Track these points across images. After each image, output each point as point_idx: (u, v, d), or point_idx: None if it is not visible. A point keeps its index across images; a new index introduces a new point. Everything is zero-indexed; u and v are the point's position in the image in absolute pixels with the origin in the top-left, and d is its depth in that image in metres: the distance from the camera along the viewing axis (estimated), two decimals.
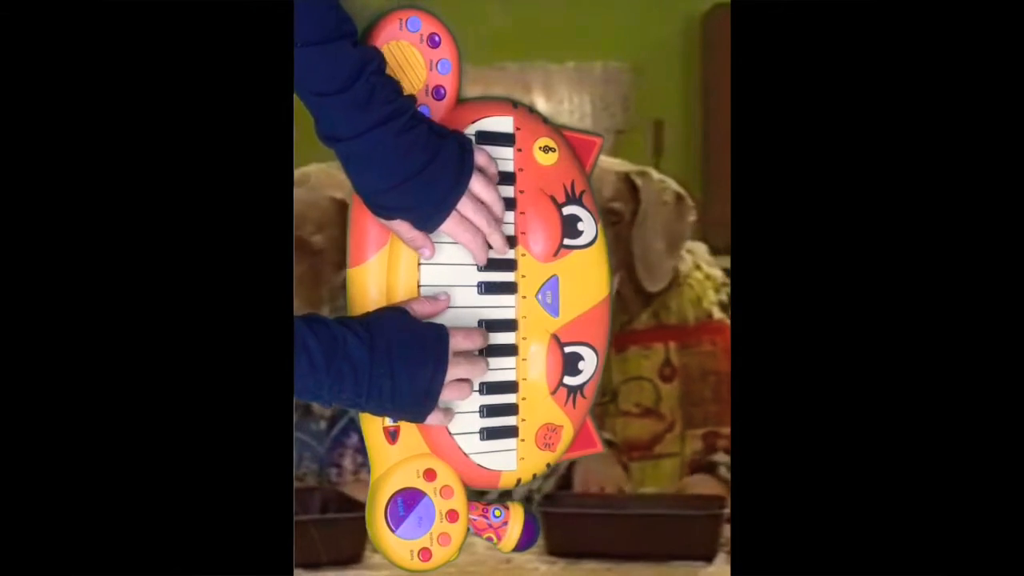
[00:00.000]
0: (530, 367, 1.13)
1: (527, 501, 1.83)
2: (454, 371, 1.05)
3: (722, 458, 2.10)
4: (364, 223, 1.08)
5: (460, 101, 1.13)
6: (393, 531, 1.09)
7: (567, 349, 1.14)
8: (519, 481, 1.15)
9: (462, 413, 1.10)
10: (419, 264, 1.09)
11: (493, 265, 1.11)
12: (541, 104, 4.05)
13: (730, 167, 1.01)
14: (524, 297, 1.13)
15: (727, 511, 1.88)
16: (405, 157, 1.02)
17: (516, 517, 1.14)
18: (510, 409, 1.13)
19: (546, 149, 1.14)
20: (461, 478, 1.11)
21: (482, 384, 1.10)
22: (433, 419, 1.06)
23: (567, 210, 1.14)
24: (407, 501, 1.09)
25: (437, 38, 1.10)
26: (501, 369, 1.12)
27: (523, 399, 1.13)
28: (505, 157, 1.12)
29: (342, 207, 1.81)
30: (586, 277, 1.16)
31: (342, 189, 1.86)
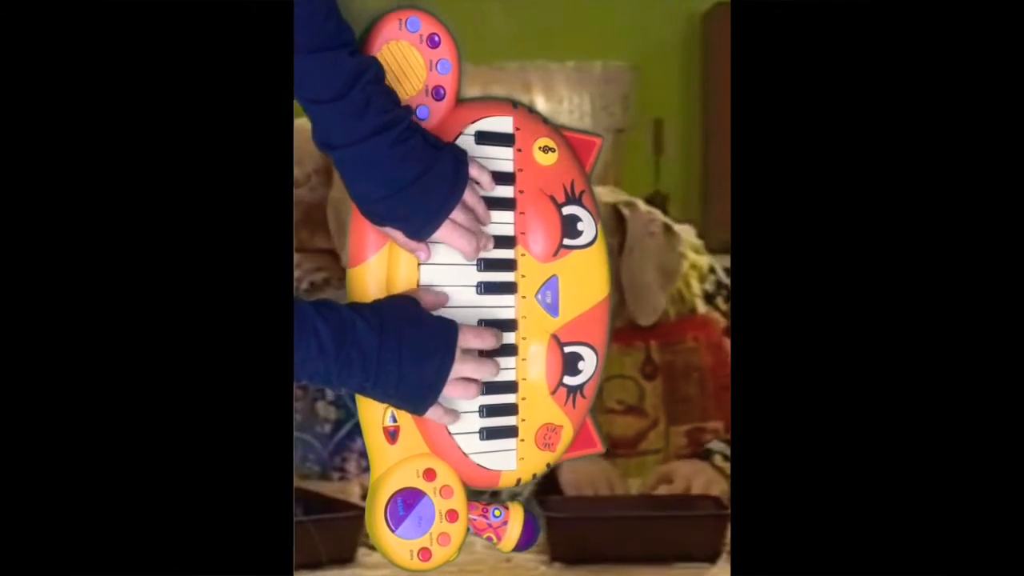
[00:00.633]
0: (530, 367, 1.13)
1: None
2: (460, 368, 1.05)
3: (718, 447, 2.08)
4: (364, 223, 1.08)
5: (460, 101, 1.13)
6: (393, 531, 1.09)
7: (567, 349, 1.14)
8: (519, 481, 1.15)
9: (462, 413, 1.10)
10: (419, 264, 1.09)
11: (493, 265, 1.11)
12: (541, 103, 4.05)
13: (730, 166, 1.01)
14: (524, 297, 1.13)
15: (729, 511, 1.88)
16: (399, 168, 1.03)
17: (516, 517, 1.14)
18: (510, 409, 1.13)
19: (546, 149, 1.14)
20: (461, 478, 1.11)
21: (482, 384, 1.10)
22: (433, 414, 1.06)
23: (567, 210, 1.14)
24: (407, 501, 1.09)
25: (437, 38, 1.10)
26: (501, 369, 1.12)
27: (523, 399, 1.13)
28: (505, 157, 1.12)
29: None
30: (586, 277, 1.16)
31: None
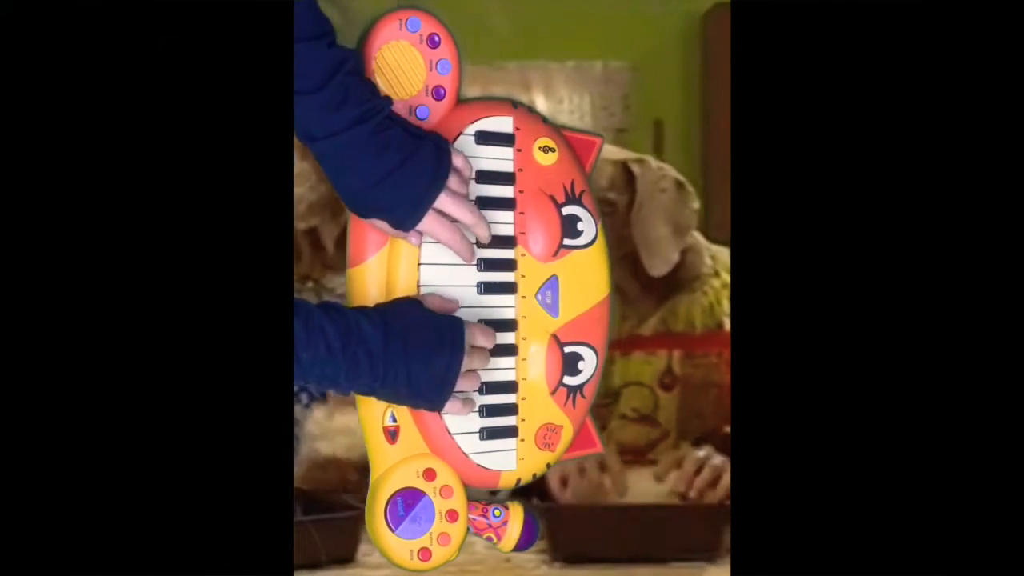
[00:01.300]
0: (530, 367, 1.13)
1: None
2: (470, 361, 1.05)
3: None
4: (364, 223, 1.08)
5: (460, 101, 1.13)
6: (393, 531, 1.09)
7: (567, 349, 1.14)
8: (519, 481, 1.15)
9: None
10: (419, 264, 1.09)
11: (493, 265, 1.11)
12: (540, 103, 4.04)
13: (730, 167, 1.01)
14: (524, 297, 1.13)
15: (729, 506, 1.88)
16: (379, 157, 1.02)
17: (516, 517, 1.14)
18: (510, 409, 1.13)
19: (546, 149, 1.14)
20: (461, 478, 1.11)
21: (482, 384, 1.10)
22: (451, 407, 1.06)
23: (567, 210, 1.14)
24: (407, 501, 1.09)
25: (437, 38, 1.10)
26: (501, 369, 1.12)
27: (523, 399, 1.13)
28: (505, 157, 1.12)
29: None
30: (586, 277, 1.16)
31: None
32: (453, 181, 1.06)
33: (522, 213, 1.12)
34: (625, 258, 2.12)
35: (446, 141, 1.08)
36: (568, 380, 1.15)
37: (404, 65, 1.09)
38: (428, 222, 1.05)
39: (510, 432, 1.13)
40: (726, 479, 1.94)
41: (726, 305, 2.19)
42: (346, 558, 1.72)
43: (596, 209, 1.16)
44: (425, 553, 1.09)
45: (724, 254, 2.23)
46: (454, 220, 1.07)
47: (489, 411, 1.11)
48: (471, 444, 1.11)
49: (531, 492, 1.90)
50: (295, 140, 1.01)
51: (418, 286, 1.09)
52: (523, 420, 1.14)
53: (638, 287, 2.18)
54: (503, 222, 1.12)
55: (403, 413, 1.09)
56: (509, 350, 1.12)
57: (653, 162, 2.19)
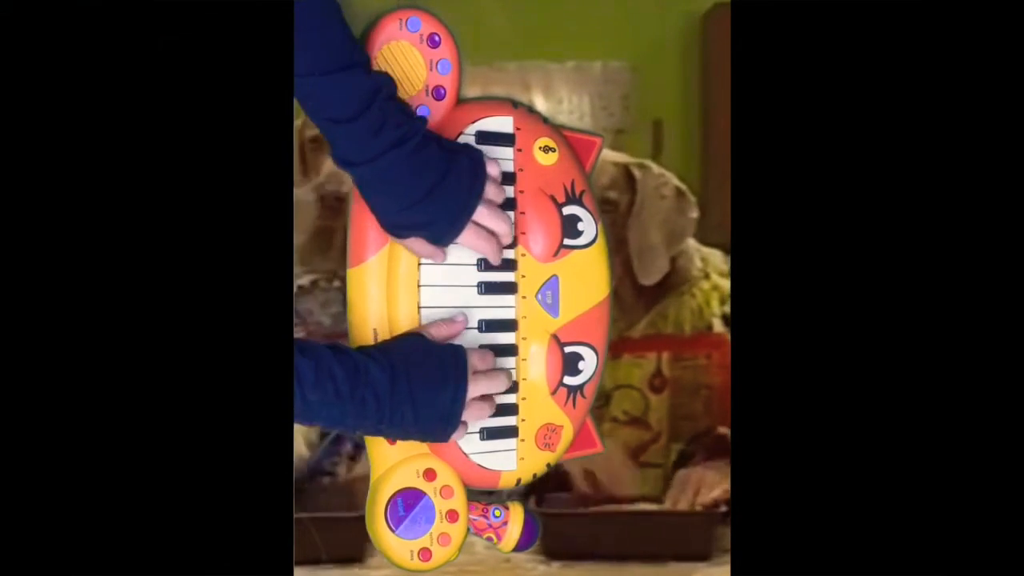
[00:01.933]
0: (530, 367, 1.13)
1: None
2: (475, 388, 1.06)
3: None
4: (364, 223, 1.08)
5: (460, 101, 1.13)
6: (393, 531, 1.09)
7: (567, 349, 1.14)
8: (519, 481, 1.15)
9: None
10: (419, 264, 1.09)
11: (493, 265, 1.11)
12: (540, 103, 4.04)
13: (730, 167, 1.01)
14: (524, 297, 1.13)
15: (723, 510, 1.88)
16: (419, 176, 1.03)
17: (516, 517, 1.14)
18: (510, 409, 1.13)
19: (546, 149, 1.14)
20: (461, 478, 1.11)
21: None
22: (458, 435, 1.07)
23: (567, 210, 1.14)
24: (407, 501, 1.09)
25: (437, 38, 1.10)
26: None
27: (523, 399, 1.13)
28: (505, 157, 1.12)
29: None
30: (586, 277, 1.16)
31: None
32: (490, 190, 1.07)
33: (522, 213, 1.12)
34: (621, 261, 2.13)
35: (479, 152, 1.08)
36: (568, 380, 1.15)
37: (404, 65, 1.09)
38: (465, 235, 1.07)
39: (510, 432, 1.13)
40: (718, 488, 1.95)
41: (716, 307, 2.19)
42: (355, 558, 1.72)
43: (596, 209, 1.16)
44: (425, 553, 1.09)
45: (715, 256, 2.24)
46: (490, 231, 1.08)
47: None
48: (471, 444, 1.11)
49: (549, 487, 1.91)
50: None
51: (418, 286, 1.09)
52: (523, 420, 1.14)
53: (631, 290, 2.18)
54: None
55: None
56: (509, 350, 1.12)
57: (655, 168, 2.20)
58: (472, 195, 1.06)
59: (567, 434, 1.16)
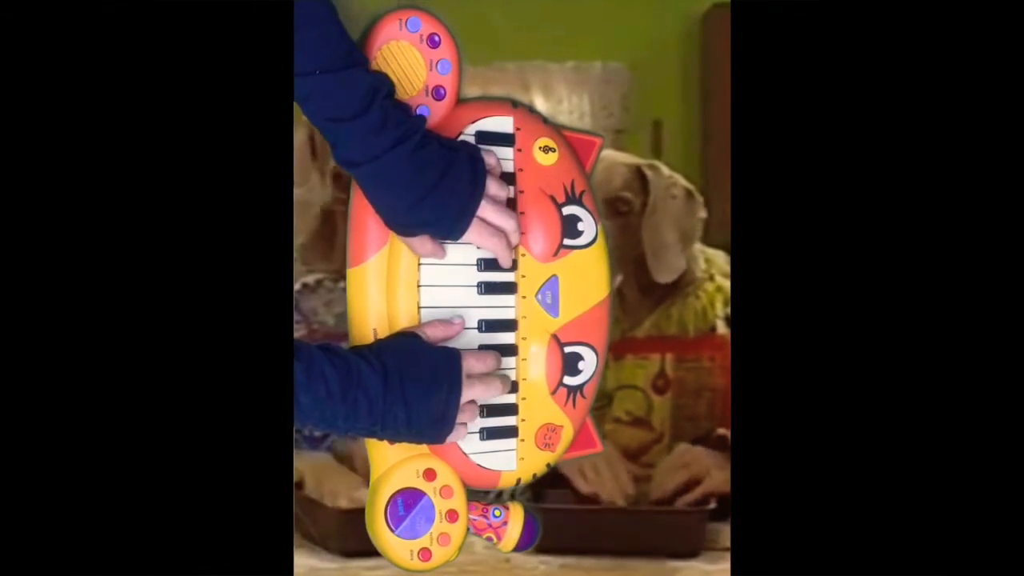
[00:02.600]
0: (530, 367, 1.13)
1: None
2: (469, 392, 1.06)
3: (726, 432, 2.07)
4: (364, 223, 1.08)
5: (460, 101, 1.13)
6: (393, 531, 1.09)
7: (567, 349, 1.14)
8: (519, 481, 1.15)
9: None
10: (419, 264, 1.09)
11: (493, 265, 1.11)
12: (540, 103, 4.05)
13: (730, 167, 1.01)
14: (524, 297, 1.13)
15: (712, 507, 1.89)
16: (421, 174, 1.03)
17: (516, 517, 1.14)
18: (510, 409, 1.13)
19: (546, 149, 1.14)
20: (461, 478, 1.11)
21: None
22: (454, 437, 1.07)
23: (567, 210, 1.14)
24: (407, 501, 1.09)
25: (437, 38, 1.10)
26: (500, 369, 1.12)
27: (523, 399, 1.13)
28: (505, 157, 1.12)
29: None
30: (586, 277, 1.16)
31: None
32: (492, 186, 1.07)
33: (522, 213, 1.12)
34: (631, 261, 2.13)
35: (477, 148, 1.09)
36: (568, 380, 1.15)
37: (404, 65, 1.09)
38: (472, 231, 1.07)
39: (510, 432, 1.13)
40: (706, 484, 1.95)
41: (719, 308, 2.19)
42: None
43: (596, 209, 1.16)
44: (425, 553, 1.09)
45: (718, 257, 2.24)
46: (497, 227, 1.08)
47: (489, 411, 1.11)
48: (471, 444, 1.11)
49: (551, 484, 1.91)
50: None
51: (418, 286, 1.09)
52: (523, 420, 1.14)
53: (637, 291, 2.19)
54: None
55: None
56: (509, 350, 1.12)
57: (665, 169, 2.21)
58: (475, 188, 1.06)
59: (567, 434, 1.16)
